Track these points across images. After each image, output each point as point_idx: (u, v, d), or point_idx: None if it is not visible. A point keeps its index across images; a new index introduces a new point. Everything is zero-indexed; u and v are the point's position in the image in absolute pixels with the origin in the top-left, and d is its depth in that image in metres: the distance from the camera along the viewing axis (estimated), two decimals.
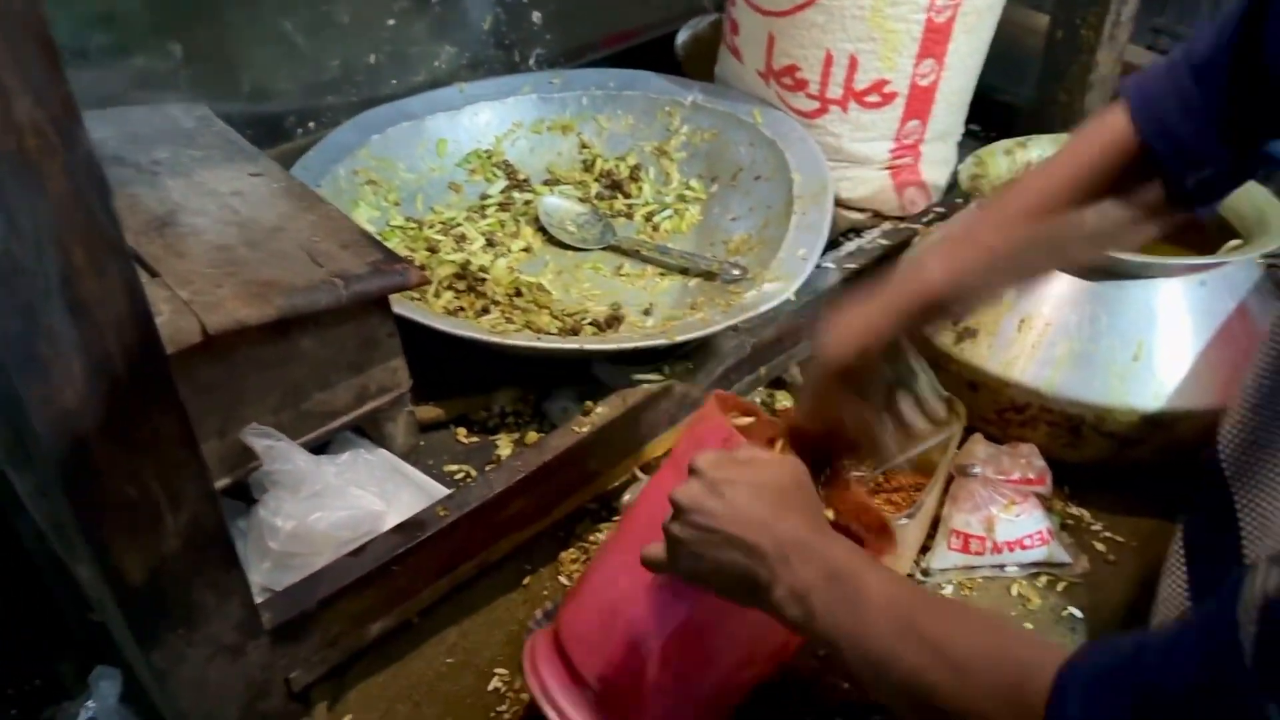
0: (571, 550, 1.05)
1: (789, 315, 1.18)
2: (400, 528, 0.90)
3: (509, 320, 1.17)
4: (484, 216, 1.37)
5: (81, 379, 0.57)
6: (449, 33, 1.50)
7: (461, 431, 1.12)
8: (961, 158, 1.36)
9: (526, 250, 1.33)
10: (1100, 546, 1.06)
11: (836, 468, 0.84)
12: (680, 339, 1.06)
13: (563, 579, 1.03)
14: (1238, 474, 0.75)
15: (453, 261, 1.25)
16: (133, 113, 1.14)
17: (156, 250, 0.89)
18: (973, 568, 1.02)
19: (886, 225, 1.37)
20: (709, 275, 1.25)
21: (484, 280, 1.23)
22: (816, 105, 1.35)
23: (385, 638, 0.92)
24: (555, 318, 1.19)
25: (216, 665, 0.75)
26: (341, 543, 0.89)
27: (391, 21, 1.43)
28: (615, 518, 1.08)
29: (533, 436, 1.09)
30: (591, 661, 0.78)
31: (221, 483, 0.90)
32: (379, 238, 1.06)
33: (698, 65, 1.58)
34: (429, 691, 0.92)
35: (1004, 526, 1.01)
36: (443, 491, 0.98)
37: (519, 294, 1.23)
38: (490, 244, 1.32)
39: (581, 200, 1.41)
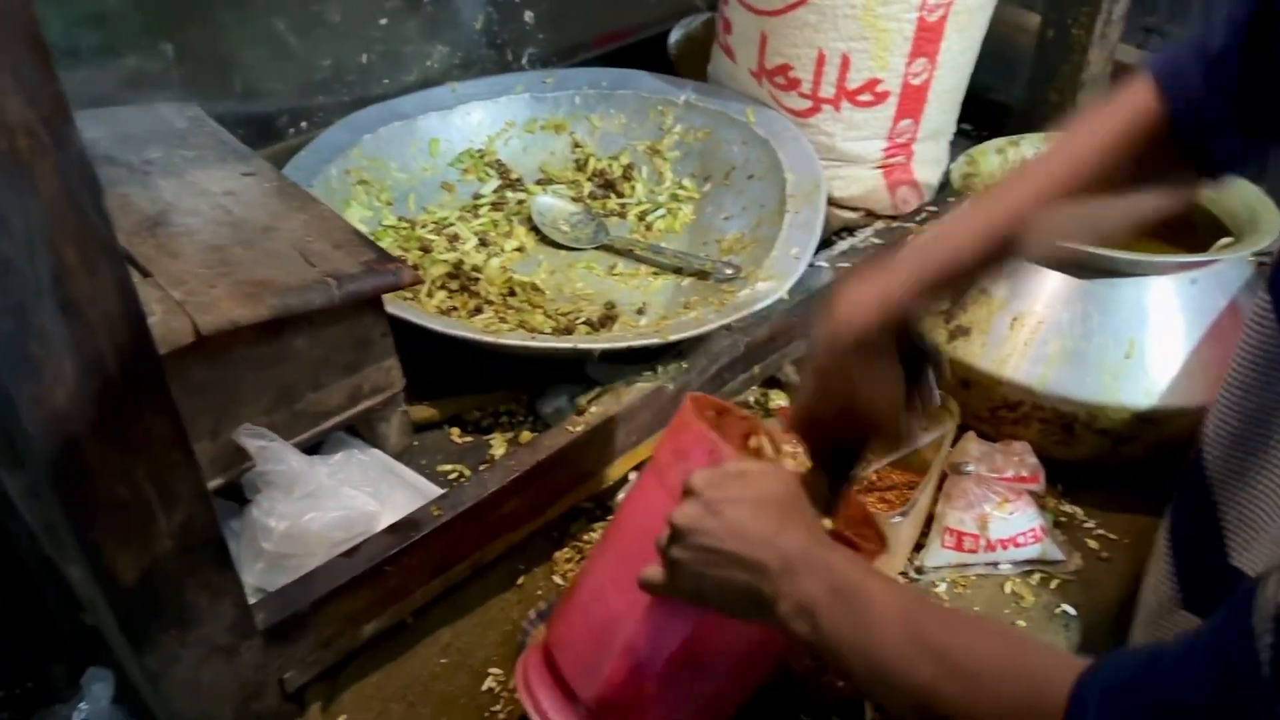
0: (566, 550, 1.05)
1: (782, 314, 1.18)
2: (394, 528, 0.90)
3: (502, 320, 1.17)
4: (477, 216, 1.37)
5: (73, 379, 0.57)
6: (441, 32, 1.50)
7: (455, 431, 1.11)
8: (954, 157, 1.37)
9: (520, 250, 1.33)
10: (1093, 544, 1.06)
11: (856, 456, 0.79)
12: (674, 338, 1.06)
13: (557, 579, 1.03)
14: (1219, 467, 0.75)
15: (446, 261, 1.25)
16: (124, 113, 1.14)
17: (149, 250, 0.89)
18: (966, 565, 1.02)
19: (879, 224, 1.37)
20: (702, 274, 1.25)
21: (477, 280, 1.23)
22: (809, 104, 1.35)
23: (379, 638, 0.92)
24: (549, 317, 1.19)
25: (210, 666, 0.74)
26: (335, 543, 0.89)
27: (383, 21, 1.43)
28: (610, 517, 1.08)
29: (526, 436, 1.09)
30: (587, 682, 0.77)
31: (214, 483, 0.89)
32: (371, 237, 1.06)
33: (690, 64, 1.58)
34: (423, 692, 0.92)
35: (997, 524, 1.01)
36: (436, 491, 0.98)
37: (512, 293, 1.23)
38: (483, 243, 1.31)
39: (574, 199, 1.40)
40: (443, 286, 1.20)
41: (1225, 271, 1.05)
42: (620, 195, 1.42)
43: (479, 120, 1.45)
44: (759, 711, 0.88)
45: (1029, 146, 1.23)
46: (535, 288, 1.25)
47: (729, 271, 1.21)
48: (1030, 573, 1.03)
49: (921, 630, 0.57)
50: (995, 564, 1.02)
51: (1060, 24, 1.43)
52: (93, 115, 1.11)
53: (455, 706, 0.91)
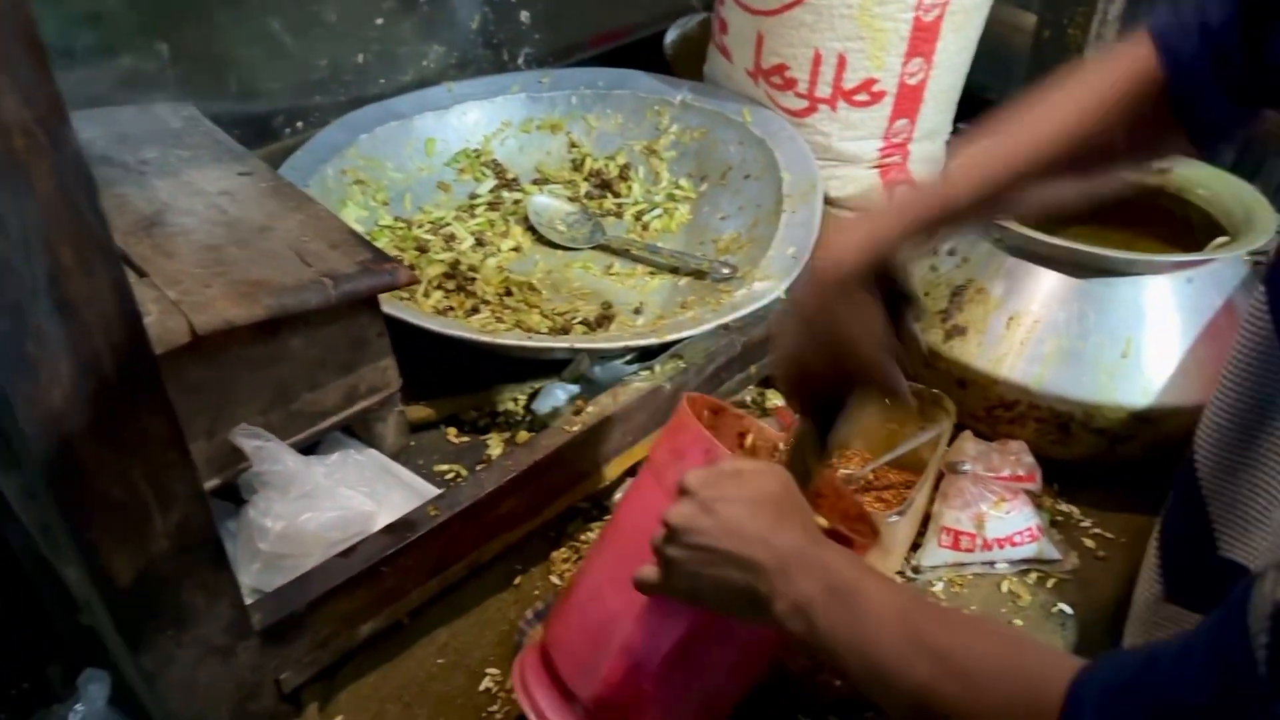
0: (563, 550, 1.05)
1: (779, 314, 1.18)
2: (390, 528, 0.90)
3: (499, 319, 1.17)
4: (473, 216, 1.37)
5: (69, 379, 0.57)
6: (437, 32, 1.50)
7: (452, 431, 1.11)
8: (949, 156, 1.37)
9: (516, 249, 1.33)
10: (1090, 543, 1.06)
11: (843, 406, 0.79)
12: (670, 338, 1.06)
13: (554, 579, 1.03)
14: (1209, 462, 0.75)
15: (442, 261, 1.25)
16: (120, 113, 1.13)
17: (145, 250, 0.89)
18: (963, 565, 1.02)
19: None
20: (699, 274, 1.25)
21: (473, 280, 1.23)
22: (805, 104, 1.36)
23: (376, 638, 0.92)
24: (545, 317, 1.19)
25: (206, 667, 0.74)
26: (331, 543, 0.89)
27: (379, 21, 1.43)
28: (607, 517, 1.08)
29: (523, 436, 1.09)
30: (583, 680, 0.77)
31: (211, 483, 0.89)
32: (368, 237, 1.06)
33: (686, 64, 1.58)
34: (420, 692, 0.92)
35: (994, 523, 1.01)
36: (433, 491, 0.98)
37: (509, 293, 1.23)
38: (480, 243, 1.31)
39: (571, 199, 1.41)
40: (439, 286, 1.20)
41: (1221, 271, 1.05)
42: (617, 195, 1.42)
43: (475, 120, 1.45)
44: (756, 711, 0.88)
45: None
46: (532, 287, 1.25)
47: (726, 271, 1.21)
48: (1027, 572, 1.03)
49: (918, 629, 0.57)
50: (992, 563, 1.03)
51: (1056, 24, 1.43)
52: (89, 115, 1.11)
53: (452, 707, 0.91)
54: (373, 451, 1.04)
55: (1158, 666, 0.48)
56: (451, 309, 1.18)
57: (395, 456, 1.05)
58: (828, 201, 1.33)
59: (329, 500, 0.90)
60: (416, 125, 1.40)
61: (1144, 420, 1.03)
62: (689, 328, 1.07)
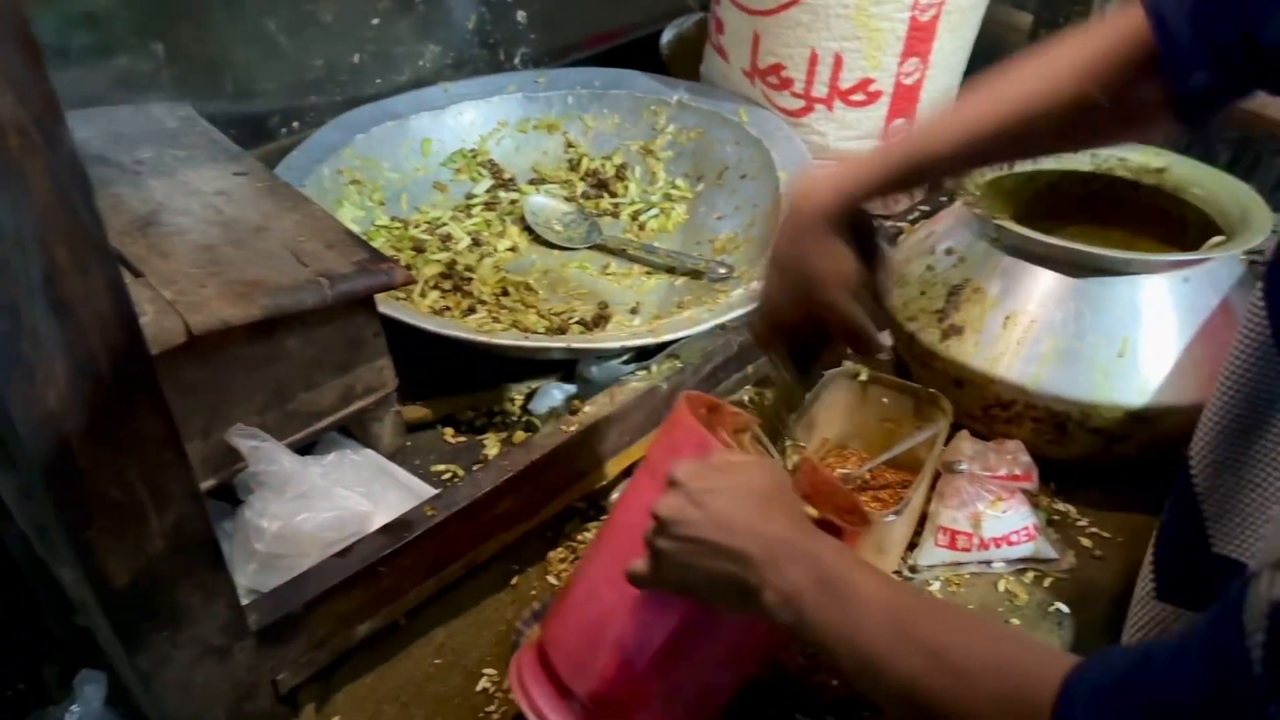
0: (560, 550, 1.05)
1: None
2: (387, 528, 0.90)
3: (496, 320, 1.17)
4: (470, 216, 1.37)
5: (65, 379, 0.56)
6: (433, 32, 1.50)
7: (448, 431, 1.11)
8: None
9: (513, 250, 1.33)
10: (1086, 542, 1.06)
11: (820, 355, 0.81)
12: (667, 338, 1.06)
13: (551, 579, 1.02)
14: (1203, 460, 0.75)
15: (438, 261, 1.25)
16: (116, 112, 1.13)
17: (140, 250, 0.88)
18: (960, 564, 1.02)
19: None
20: (695, 274, 1.25)
21: (470, 280, 1.23)
22: (802, 104, 1.36)
23: (372, 639, 0.92)
24: (542, 317, 1.19)
25: (202, 667, 0.74)
26: (328, 544, 0.89)
27: (375, 21, 1.42)
28: (604, 517, 1.08)
29: (520, 436, 1.09)
30: (579, 676, 0.77)
31: (207, 484, 0.89)
32: (364, 237, 1.06)
33: (683, 64, 1.59)
34: (417, 692, 0.92)
35: (990, 523, 1.01)
36: (430, 491, 0.98)
37: (505, 293, 1.23)
38: (476, 243, 1.31)
39: (567, 199, 1.41)
40: (436, 286, 1.20)
41: (1217, 270, 1.05)
42: (613, 195, 1.42)
43: (471, 120, 1.45)
44: (754, 709, 0.88)
45: None
46: (528, 287, 1.25)
47: (722, 271, 1.21)
48: (1024, 571, 1.03)
49: (908, 623, 0.57)
50: (989, 562, 1.03)
51: (1052, 23, 1.43)
52: (84, 115, 1.11)
53: (449, 707, 0.91)
54: (369, 451, 1.04)
55: (1151, 665, 0.48)
56: (448, 309, 1.18)
57: (392, 456, 1.05)
58: None
59: (325, 500, 0.90)
60: (413, 125, 1.40)
61: (1140, 419, 1.03)
62: (686, 327, 1.07)
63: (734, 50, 1.40)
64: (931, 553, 1.02)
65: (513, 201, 1.39)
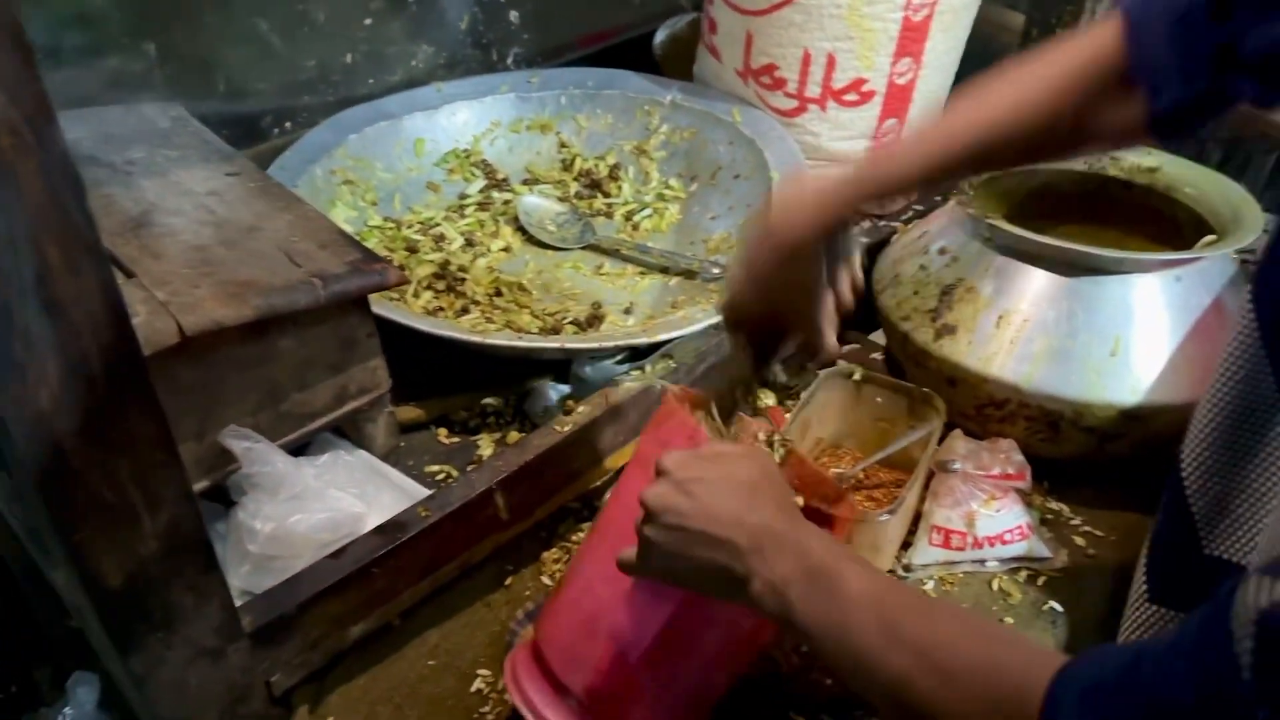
0: (554, 550, 1.05)
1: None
2: (381, 529, 0.90)
3: (489, 320, 1.17)
4: (463, 216, 1.36)
5: (57, 380, 0.56)
6: (426, 32, 1.50)
7: (442, 432, 1.11)
8: None
9: (506, 250, 1.33)
10: (1080, 541, 1.07)
11: (779, 352, 0.86)
12: (661, 338, 1.06)
13: (545, 579, 1.02)
14: (1194, 461, 0.75)
15: (432, 261, 1.25)
16: (107, 113, 1.13)
17: (132, 251, 0.88)
18: (954, 563, 1.03)
19: (865, 223, 1.38)
20: (689, 274, 1.25)
21: (463, 280, 1.22)
22: (795, 104, 1.36)
23: (366, 640, 0.92)
24: (536, 317, 1.19)
25: (196, 669, 0.74)
26: (321, 545, 0.88)
27: (368, 21, 1.42)
28: (598, 516, 1.08)
29: (514, 436, 1.09)
30: (574, 671, 0.77)
31: (200, 485, 0.89)
32: (357, 238, 1.05)
33: (676, 65, 1.59)
34: (411, 693, 0.92)
35: (984, 522, 1.01)
36: (423, 492, 0.98)
37: (499, 294, 1.22)
38: (469, 244, 1.31)
39: (561, 199, 1.40)
40: (429, 287, 1.20)
41: (1209, 269, 1.06)
42: (607, 195, 1.42)
43: (464, 120, 1.45)
44: (749, 709, 0.88)
45: None
46: (522, 288, 1.25)
47: (716, 271, 1.21)
48: (1017, 570, 1.03)
49: (896, 619, 0.57)
50: (982, 561, 1.03)
51: (1044, 23, 1.43)
52: (76, 115, 1.11)
53: (443, 708, 0.91)
54: (363, 452, 1.04)
55: (1140, 668, 0.48)
56: (441, 309, 1.18)
57: (385, 457, 1.05)
58: None
59: (319, 502, 0.90)
60: (405, 125, 1.40)
61: (1133, 418, 1.03)
62: (679, 327, 1.07)
63: (727, 50, 1.40)
64: (926, 552, 1.02)
65: (506, 202, 1.39)
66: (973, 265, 1.10)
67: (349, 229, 1.15)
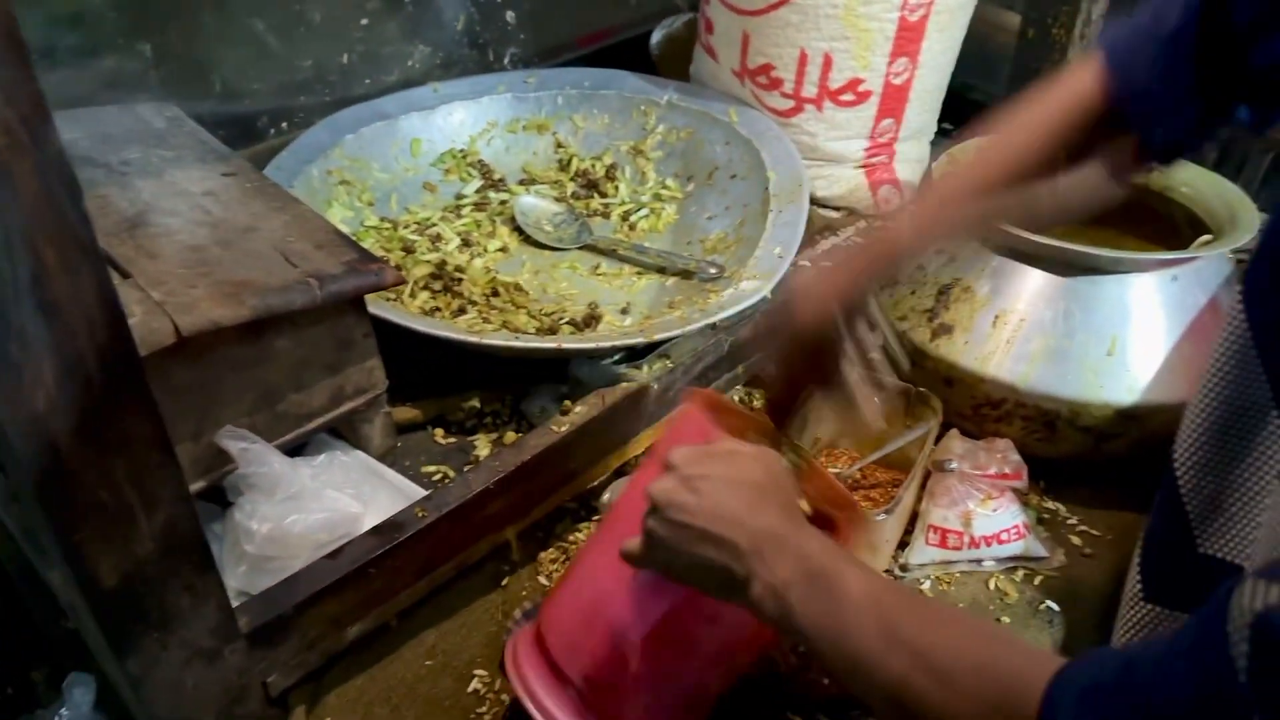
0: (551, 550, 1.05)
1: (766, 313, 1.18)
2: (378, 529, 0.89)
3: (486, 320, 1.17)
4: (459, 216, 1.36)
5: (53, 381, 0.56)
6: (422, 32, 1.50)
7: (439, 432, 1.11)
8: (934, 156, 1.37)
9: (503, 250, 1.32)
10: (1076, 540, 1.07)
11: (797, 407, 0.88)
12: (658, 338, 1.06)
13: (542, 579, 1.02)
14: (1187, 460, 0.76)
15: (428, 262, 1.25)
16: (103, 113, 1.13)
17: (128, 251, 0.88)
18: (950, 562, 1.03)
19: (862, 223, 1.38)
20: (686, 274, 1.25)
21: (460, 280, 1.22)
22: (791, 104, 1.36)
23: (363, 641, 0.92)
24: (532, 317, 1.19)
25: (193, 670, 0.74)
26: (318, 545, 0.88)
27: (364, 21, 1.42)
28: (595, 517, 1.08)
29: (511, 437, 1.09)
30: (573, 658, 0.78)
31: (196, 486, 0.89)
32: (353, 238, 1.05)
33: (672, 65, 1.58)
34: (408, 694, 0.92)
35: (981, 521, 1.01)
36: (420, 493, 0.98)
37: (496, 294, 1.22)
38: (466, 244, 1.31)
39: (557, 200, 1.40)
40: (425, 287, 1.20)
41: (1205, 268, 1.06)
42: (603, 195, 1.42)
43: (461, 120, 1.45)
44: (745, 709, 0.88)
45: None
46: (518, 288, 1.25)
47: (713, 271, 1.21)
48: (1014, 569, 1.03)
49: (895, 622, 0.57)
50: (979, 561, 1.03)
51: (1040, 24, 1.44)
52: (71, 115, 1.10)
53: (440, 709, 0.91)
54: (359, 453, 1.04)
55: (1137, 670, 0.48)
56: (438, 309, 1.18)
57: (382, 458, 1.05)
58: (814, 201, 1.34)
59: (315, 502, 0.89)
60: (402, 126, 1.40)
61: (1129, 418, 1.03)
62: (676, 327, 1.07)
63: (723, 50, 1.40)
64: (922, 551, 1.02)
65: (503, 202, 1.39)
66: (969, 265, 1.11)
67: (345, 229, 1.15)
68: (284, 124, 1.39)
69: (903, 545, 1.04)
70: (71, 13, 1.17)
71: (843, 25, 1.27)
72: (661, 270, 1.28)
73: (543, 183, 1.44)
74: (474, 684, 0.93)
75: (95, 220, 0.55)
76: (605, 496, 1.08)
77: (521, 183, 1.44)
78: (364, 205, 1.32)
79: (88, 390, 0.58)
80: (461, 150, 1.44)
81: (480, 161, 1.44)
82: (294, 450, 0.97)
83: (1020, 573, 1.03)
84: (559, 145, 1.48)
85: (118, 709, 0.91)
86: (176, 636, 0.71)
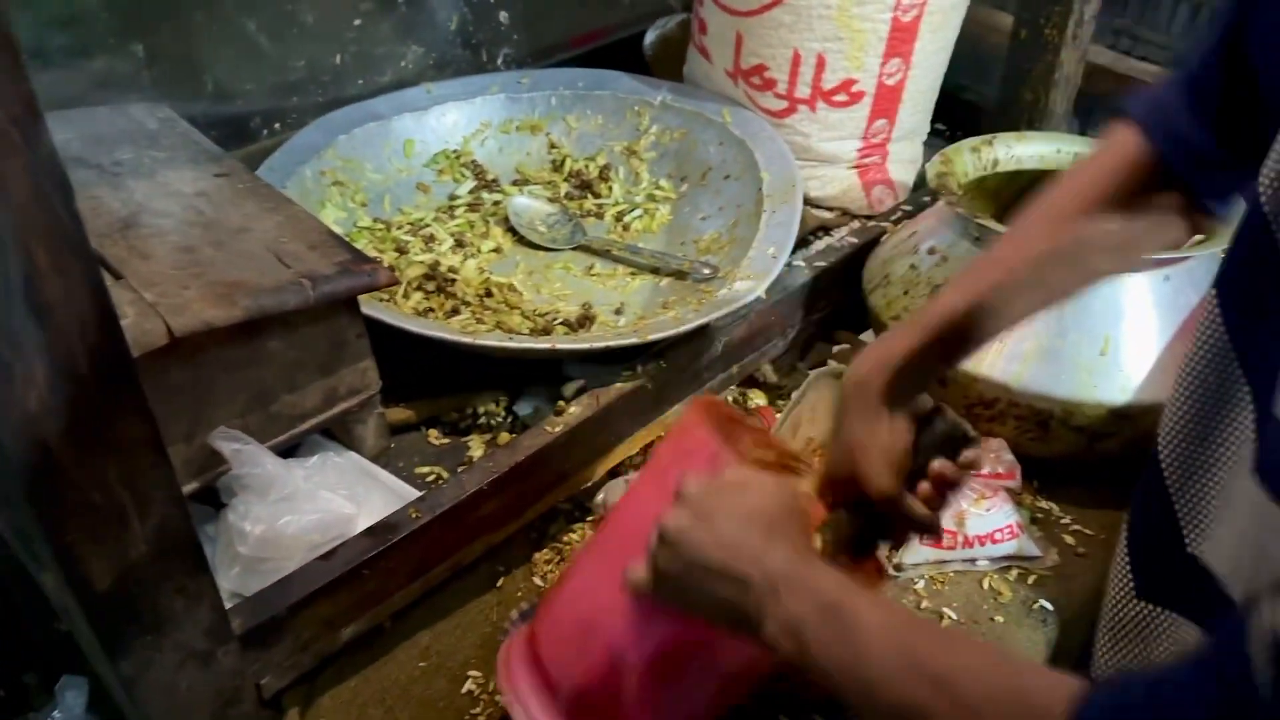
0: (545, 551, 1.05)
1: (760, 313, 1.18)
2: (371, 531, 0.89)
3: (480, 321, 1.17)
4: (453, 217, 1.36)
5: (45, 382, 0.56)
6: (415, 33, 1.50)
7: (433, 433, 1.11)
8: (928, 157, 1.37)
9: (496, 251, 1.32)
10: (1069, 539, 1.07)
11: (882, 528, 0.80)
12: (652, 338, 1.06)
13: (537, 580, 1.02)
14: (1172, 459, 0.76)
15: (422, 262, 1.24)
16: (95, 114, 1.12)
17: (120, 252, 0.88)
18: (944, 562, 1.03)
19: (855, 224, 1.38)
20: (680, 274, 1.25)
21: (454, 281, 1.22)
22: (785, 104, 1.36)
23: (357, 642, 0.91)
24: (526, 318, 1.19)
25: (186, 672, 0.74)
26: (311, 546, 0.88)
27: (357, 22, 1.42)
28: (589, 518, 1.08)
29: (505, 437, 1.09)
30: (569, 674, 0.76)
31: (189, 487, 0.88)
32: (346, 239, 1.05)
33: (666, 65, 1.59)
34: (402, 695, 0.92)
35: (974, 521, 1.01)
36: (414, 494, 0.98)
37: (489, 294, 1.22)
38: (460, 244, 1.31)
39: (551, 200, 1.40)
40: (419, 288, 1.20)
41: (1197, 268, 1.06)
42: (597, 196, 1.42)
43: (454, 121, 1.45)
44: (738, 711, 0.88)
45: (1002, 146, 1.24)
46: (512, 288, 1.24)
47: (706, 271, 1.21)
48: (1008, 569, 1.03)
49: (914, 651, 0.56)
50: (973, 560, 1.03)
51: (1033, 24, 1.44)
52: (63, 116, 1.10)
53: (434, 710, 0.91)
54: (353, 454, 1.03)
55: (1162, 693, 0.48)
56: (431, 310, 1.17)
57: (375, 459, 1.05)
58: (807, 201, 1.34)
59: (309, 503, 0.89)
60: (395, 126, 1.40)
61: (1122, 417, 1.03)
62: (670, 328, 1.07)
63: (717, 51, 1.40)
64: (916, 551, 1.02)
65: (496, 203, 1.39)
66: (962, 265, 1.11)
67: (338, 230, 1.14)
68: (277, 125, 1.39)
69: (897, 544, 1.04)
70: (64, 13, 1.17)
71: (836, 26, 1.27)
72: (655, 271, 1.28)
73: (536, 183, 1.44)
74: (468, 685, 0.92)
75: (87, 221, 0.54)
76: (600, 497, 1.08)
77: (515, 183, 1.44)
78: (357, 206, 1.32)
79: (80, 391, 0.58)
80: (455, 151, 1.44)
81: (474, 162, 1.44)
82: (287, 451, 0.97)
83: (1014, 572, 1.03)
84: (552, 146, 1.48)
85: (111, 712, 0.91)
86: (169, 638, 0.71)
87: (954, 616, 0.98)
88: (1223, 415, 0.71)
